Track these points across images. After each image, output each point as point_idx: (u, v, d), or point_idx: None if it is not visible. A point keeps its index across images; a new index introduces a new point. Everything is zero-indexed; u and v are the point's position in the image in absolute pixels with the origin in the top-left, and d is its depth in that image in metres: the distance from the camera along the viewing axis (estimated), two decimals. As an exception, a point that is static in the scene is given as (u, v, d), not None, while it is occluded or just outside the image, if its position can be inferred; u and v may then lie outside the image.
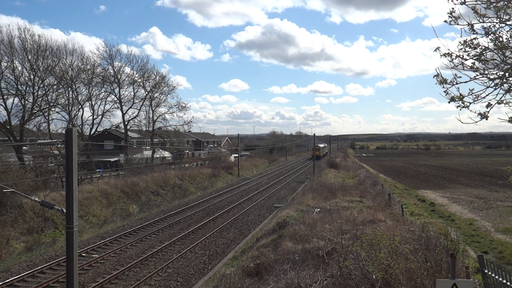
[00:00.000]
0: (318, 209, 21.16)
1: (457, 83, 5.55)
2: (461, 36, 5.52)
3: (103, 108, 49.69)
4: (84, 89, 47.16)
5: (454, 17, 5.35)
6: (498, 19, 5.34)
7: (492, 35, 5.40)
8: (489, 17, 5.37)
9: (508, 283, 8.38)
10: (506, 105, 5.55)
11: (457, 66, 5.56)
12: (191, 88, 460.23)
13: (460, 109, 5.54)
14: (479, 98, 5.58)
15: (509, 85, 5.52)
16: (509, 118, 5.43)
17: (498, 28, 5.41)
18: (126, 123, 53.23)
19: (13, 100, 39.12)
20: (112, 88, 51.41)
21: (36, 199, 10.10)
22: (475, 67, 5.58)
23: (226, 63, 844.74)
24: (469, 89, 5.55)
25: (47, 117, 42.05)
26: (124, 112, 52.82)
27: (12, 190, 11.00)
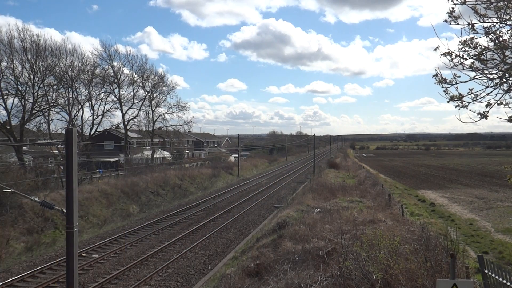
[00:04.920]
0: (318, 209, 21.15)
1: (456, 83, 5.55)
2: (460, 36, 5.52)
3: (103, 108, 49.72)
4: (84, 89, 47.21)
5: (454, 16, 5.35)
6: (498, 19, 5.34)
7: (492, 35, 5.39)
8: (489, 17, 5.36)
9: (508, 283, 8.37)
10: (506, 106, 5.55)
11: (457, 65, 5.55)
12: (189, 88, 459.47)
13: (459, 109, 5.53)
14: (478, 98, 5.57)
15: (509, 85, 5.51)
16: (508, 117, 5.43)
17: (498, 28, 5.41)
18: (126, 123, 53.25)
19: (13, 100, 39.15)
20: (112, 88, 51.46)
21: (36, 199, 10.09)
22: (474, 66, 5.57)
23: (222, 63, 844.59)
24: (469, 89, 5.55)
25: (47, 117, 42.05)
26: (124, 112, 52.87)
27: (12, 190, 11.00)
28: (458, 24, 5.34)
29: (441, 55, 5.44)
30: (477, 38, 5.47)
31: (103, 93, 50.10)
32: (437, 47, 5.44)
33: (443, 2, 5.49)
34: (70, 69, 43.65)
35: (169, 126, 56.77)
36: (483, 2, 5.31)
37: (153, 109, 55.49)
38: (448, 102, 5.55)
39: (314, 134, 69.78)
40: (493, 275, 8.97)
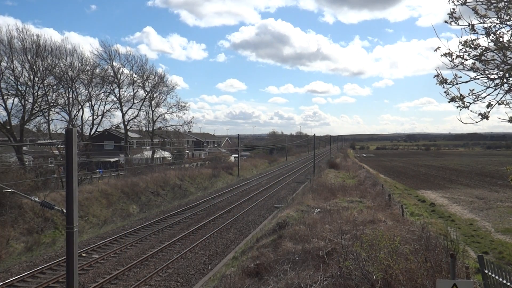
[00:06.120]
0: (318, 209, 21.15)
1: (457, 83, 5.55)
2: (461, 36, 5.53)
3: (103, 109, 49.77)
4: (84, 90, 47.22)
5: (454, 17, 5.36)
6: (499, 20, 5.35)
7: (492, 35, 5.40)
8: (490, 18, 5.37)
9: (508, 284, 8.38)
10: (507, 106, 5.55)
11: (457, 66, 5.56)
12: (188, 88, 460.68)
13: (460, 110, 5.54)
14: (479, 98, 5.58)
15: (509, 85, 5.52)
16: (509, 118, 5.43)
17: (498, 29, 5.42)
18: (126, 123, 53.24)
19: (13, 100, 39.17)
20: (111, 88, 51.48)
21: (36, 199, 10.08)
22: (475, 67, 5.58)
23: (222, 63, 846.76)
24: (469, 90, 5.56)
25: (47, 118, 42.08)
26: (124, 112, 52.87)
27: (12, 190, 10.98)
28: (458, 25, 5.35)
29: (441, 55, 5.45)
30: (477, 38, 5.48)
31: (103, 93, 50.18)
32: (438, 48, 5.46)
33: (441, 2, 5.51)
34: (70, 69, 43.69)
35: (169, 126, 56.83)
36: (484, 2, 5.32)
37: (153, 109, 55.54)
38: (449, 102, 5.55)
39: (314, 134, 69.58)
40: (493, 275, 8.97)
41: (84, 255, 19.77)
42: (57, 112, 44.02)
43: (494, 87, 5.52)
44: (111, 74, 51.05)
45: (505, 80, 5.47)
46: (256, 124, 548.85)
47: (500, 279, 8.66)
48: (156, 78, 55.38)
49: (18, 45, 38.02)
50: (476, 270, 11.52)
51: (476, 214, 26.55)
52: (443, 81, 5.53)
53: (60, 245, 21.56)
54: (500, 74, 5.50)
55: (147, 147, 58.98)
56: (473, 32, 5.42)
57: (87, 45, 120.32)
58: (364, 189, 30.37)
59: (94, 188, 30.88)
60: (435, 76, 5.58)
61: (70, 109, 44.10)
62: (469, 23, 5.35)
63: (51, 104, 42.05)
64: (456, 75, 5.49)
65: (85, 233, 24.43)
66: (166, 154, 65.13)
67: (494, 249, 17.79)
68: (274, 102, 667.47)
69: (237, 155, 67.41)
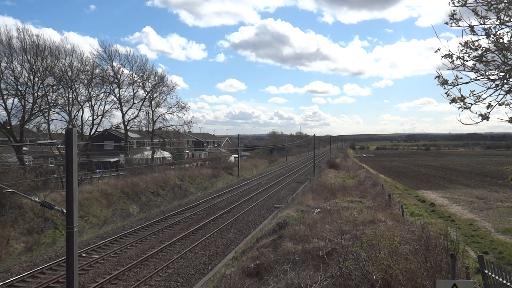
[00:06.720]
0: (318, 210, 21.16)
1: (458, 84, 5.56)
2: (461, 37, 5.54)
3: (103, 109, 49.78)
4: (83, 90, 47.23)
5: (455, 19, 5.37)
6: (499, 21, 5.36)
7: (492, 36, 5.41)
8: (490, 19, 5.38)
9: (508, 284, 8.38)
10: (507, 106, 5.56)
11: (458, 67, 5.57)
12: (188, 88, 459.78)
13: (462, 111, 5.55)
14: (480, 99, 5.59)
15: (510, 86, 5.53)
16: (509, 118, 5.44)
17: (498, 30, 5.43)
18: (126, 123, 53.25)
19: (13, 100, 39.23)
20: (111, 88, 51.49)
21: (36, 199, 10.07)
22: (476, 68, 5.59)
23: (221, 63, 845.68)
24: (470, 90, 5.57)
25: (47, 118, 42.12)
26: (124, 112, 52.87)
27: (12, 190, 10.98)
28: (459, 26, 5.36)
29: (442, 57, 5.46)
30: (478, 40, 5.49)
31: (102, 93, 50.20)
32: (438, 49, 5.46)
33: (441, 2, 5.53)
34: (70, 69, 43.69)
35: (169, 126, 56.83)
36: (484, 4, 5.33)
37: (153, 109, 55.55)
38: (450, 103, 5.56)
39: (314, 134, 69.51)
40: (493, 275, 8.97)
41: (84, 255, 19.77)
42: (57, 112, 44.11)
43: (495, 88, 5.53)
44: (111, 74, 51.07)
45: (505, 81, 5.48)
46: (256, 124, 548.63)
47: (500, 279, 8.66)
48: (156, 78, 55.43)
49: (17, 45, 38.10)
50: (476, 270, 11.52)
51: (476, 214, 26.56)
52: (444, 82, 5.54)
53: (60, 245, 21.56)
54: (500, 75, 5.51)
55: (147, 147, 58.98)
56: (473, 33, 5.44)
57: (86, 45, 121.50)
58: (364, 189, 30.38)
59: (94, 188, 30.88)
60: (436, 77, 5.60)
61: (70, 109, 44.16)
62: (469, 25, 5.37)
63: (51, 104, 42.10)
64: (457, 76, 5.50)
65: (85, 233, 24.44)
66: (166, 154, 65.13)
67: (494, 249, 17.80)
68: (274, 102, 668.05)
69: (237, 155, 67.41)
